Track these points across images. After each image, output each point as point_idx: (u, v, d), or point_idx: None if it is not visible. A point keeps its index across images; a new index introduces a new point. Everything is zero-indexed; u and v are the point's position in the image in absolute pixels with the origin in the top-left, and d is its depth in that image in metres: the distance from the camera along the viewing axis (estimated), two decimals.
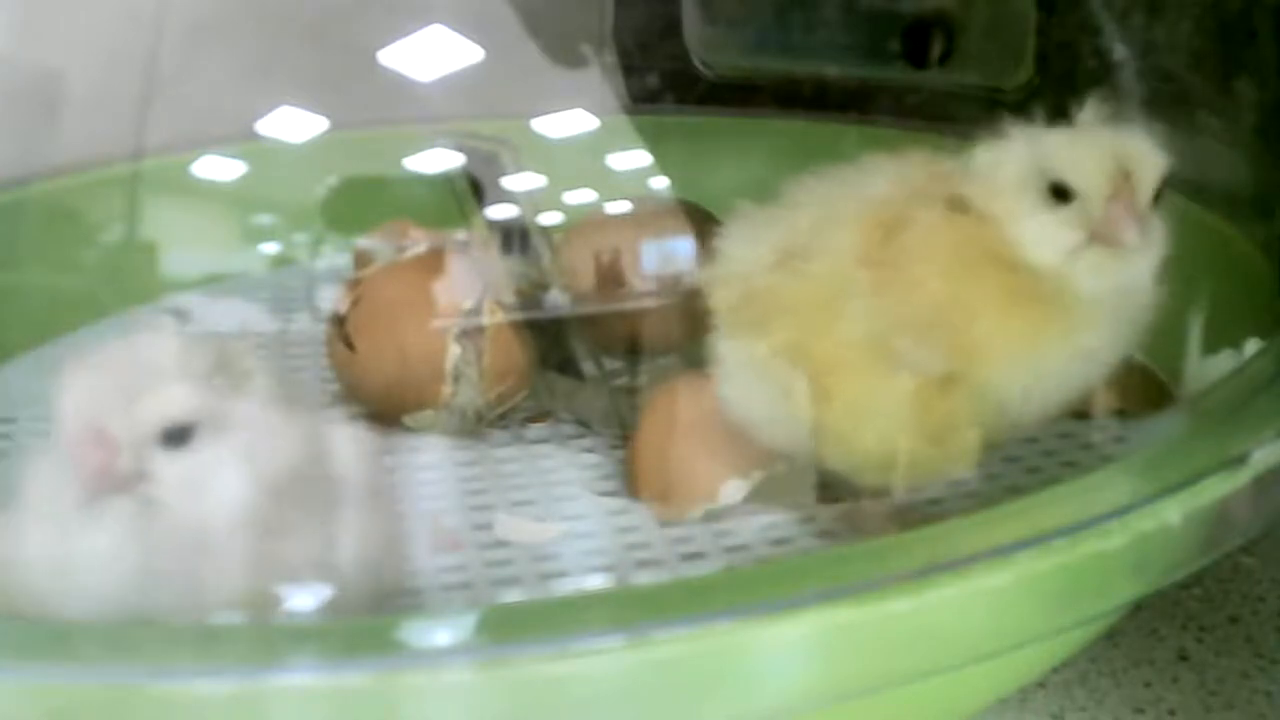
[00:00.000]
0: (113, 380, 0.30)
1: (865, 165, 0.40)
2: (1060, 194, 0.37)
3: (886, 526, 0.39)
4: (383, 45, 0.47)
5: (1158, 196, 0.37)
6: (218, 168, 0.52)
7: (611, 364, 0.49)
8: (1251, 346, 0.40)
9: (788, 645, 0.26)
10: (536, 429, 0.48)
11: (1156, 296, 0.38)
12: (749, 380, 0.40)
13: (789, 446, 0.40)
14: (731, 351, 0.40)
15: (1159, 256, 0.38)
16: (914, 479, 0.39)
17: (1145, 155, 0.37)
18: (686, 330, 0.43)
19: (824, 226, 0.39)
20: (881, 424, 0.38)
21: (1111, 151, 0.36)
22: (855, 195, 0.40)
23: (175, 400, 0.30)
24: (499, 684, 0.25)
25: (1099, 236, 0.36)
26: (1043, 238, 0.37)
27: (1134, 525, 0.29)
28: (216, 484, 0.30)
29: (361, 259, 0.49)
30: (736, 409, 0.40)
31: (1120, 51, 0.54)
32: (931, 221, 0.38)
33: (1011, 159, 0.38)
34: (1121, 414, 0.43)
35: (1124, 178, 0.36)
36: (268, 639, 0.26)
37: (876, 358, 0.38)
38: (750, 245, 0.41)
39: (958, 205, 0.38)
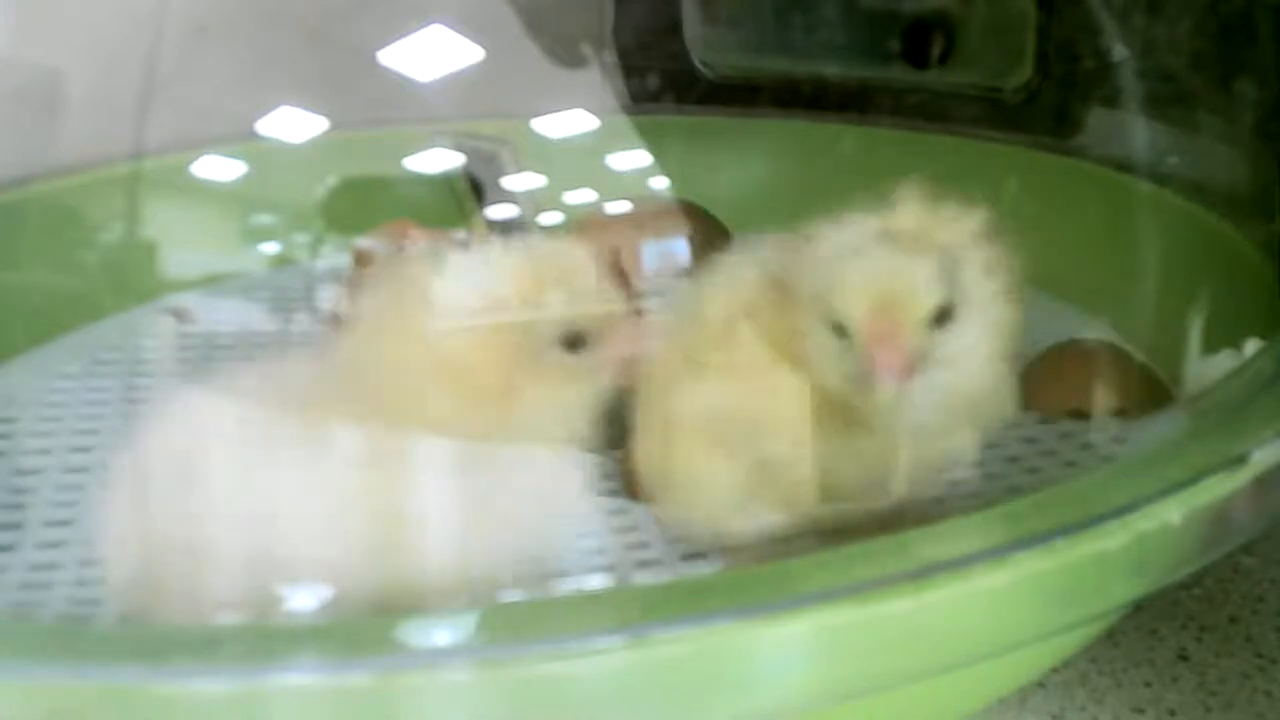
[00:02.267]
0: None
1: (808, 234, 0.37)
2: (840, 329, 0.34)
3: (877, 531, 0.39)
4: (383, 45, 0.47)
5: (943, 317, 0.34)
6: (218, 168, 0.52)
7: None
8: (1251, 346, 0.40)
9: (788, 645, 0.26)
10: None
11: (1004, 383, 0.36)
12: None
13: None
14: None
15: (975, 365, 0.35)
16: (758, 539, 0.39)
17: (911, 287, 0.33)
18: None
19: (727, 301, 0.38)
20: (710, 496, 0.38)
21: (876, 286, 0.33)
22: (742, 276, 0.38)
23: None
24: (499, 684, 0.25)
25: (867, 377, 0.34)
26: (827, 365, 0.35)
27: (1134, 525, 0.29)
28: None
29: (361, 259, 0.49)
30: None
31: (1120, 51, 0.54)
32: (760, 319, 0.36)
33: (806, 275, 0.35)
34: (1121, 414, 0.43)
35: (886, 313, 0.33)
36: (268, 639, 0.26)
37: (705, 435, 0.38)
38: (706, 294, 0.39)
39: (786, 295, 0.36)
